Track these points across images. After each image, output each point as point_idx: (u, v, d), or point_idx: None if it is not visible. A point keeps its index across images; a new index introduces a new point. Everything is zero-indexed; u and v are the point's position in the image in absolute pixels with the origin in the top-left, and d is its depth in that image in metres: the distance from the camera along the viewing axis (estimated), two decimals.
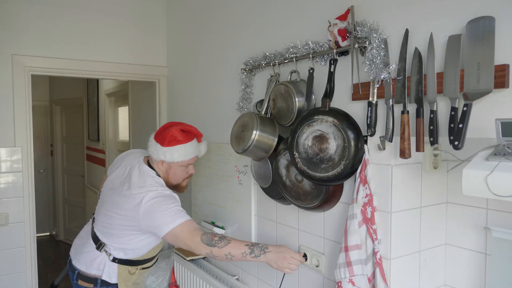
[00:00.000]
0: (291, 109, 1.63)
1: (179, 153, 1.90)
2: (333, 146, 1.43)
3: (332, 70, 1.50)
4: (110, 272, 1.93)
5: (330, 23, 1.48)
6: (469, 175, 1.07)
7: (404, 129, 1.26)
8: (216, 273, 2.29)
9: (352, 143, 1.39)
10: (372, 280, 1.39)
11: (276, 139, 1.74)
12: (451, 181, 1.50)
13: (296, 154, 1.54)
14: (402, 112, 1.27)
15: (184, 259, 2.44)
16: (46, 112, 6.28)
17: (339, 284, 1.42)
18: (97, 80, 4.98)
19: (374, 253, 1.38)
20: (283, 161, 1.71)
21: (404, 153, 1.27)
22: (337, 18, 1.45)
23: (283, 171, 1.72)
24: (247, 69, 2.00)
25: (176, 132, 1.92)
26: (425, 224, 1.47)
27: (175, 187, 2.01)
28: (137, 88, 3.62)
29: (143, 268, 2.04)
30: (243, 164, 2.11)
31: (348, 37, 1.43)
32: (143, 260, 2.01)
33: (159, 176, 1.95)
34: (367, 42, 1.36)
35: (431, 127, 1.21)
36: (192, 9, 2.68)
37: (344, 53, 1.50)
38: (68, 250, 2.20)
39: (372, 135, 1.39)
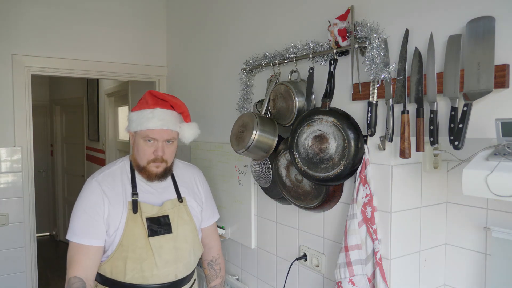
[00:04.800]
0: (291, 109, 1.63)
1: (141, 120, 1.56)
2: (333, 146, 1.43)
3: (332, 70, 1.50)
4: None
5: (330, 23, 1.48)
6: (469, 175, 1.07)
7: (404, 129, 1.26)
8: None
9: (352, 143, 1.39)
10: (372, 280, 1.39)
11: (276, 139, 1.74)
12: (451, 181, 1.50)
13: (296, 154, 1.54)
14: (402, 112, 1.27)
15: None
16: (46, 112, 6.28)
17: (339, 284, 1.42)
18: (97, 80, 4.98)
19: (374, 253, 1.38)
20: (283, 161, 1.71)
21: (404, 153, 1.27)
22: (337, 18, 1.45)
23: (283, 171, 1.72)
24: (247, 69, 2.00)
25: (148, 96, 1.62)
26: (425, 224, 1.47)
27: (141, 170, 1.64)
28: (137, 88, 3.62)
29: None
30: (243, 164, 2.11)
31: (348, 37, 1.43)
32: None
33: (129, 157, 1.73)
34: (367, 42, 1.36)
35: (431, 127, 1.21)
36: (192, 9, 2.68)
37: (344, 53, 1.50)
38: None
39: (372, 135, 1.39)
